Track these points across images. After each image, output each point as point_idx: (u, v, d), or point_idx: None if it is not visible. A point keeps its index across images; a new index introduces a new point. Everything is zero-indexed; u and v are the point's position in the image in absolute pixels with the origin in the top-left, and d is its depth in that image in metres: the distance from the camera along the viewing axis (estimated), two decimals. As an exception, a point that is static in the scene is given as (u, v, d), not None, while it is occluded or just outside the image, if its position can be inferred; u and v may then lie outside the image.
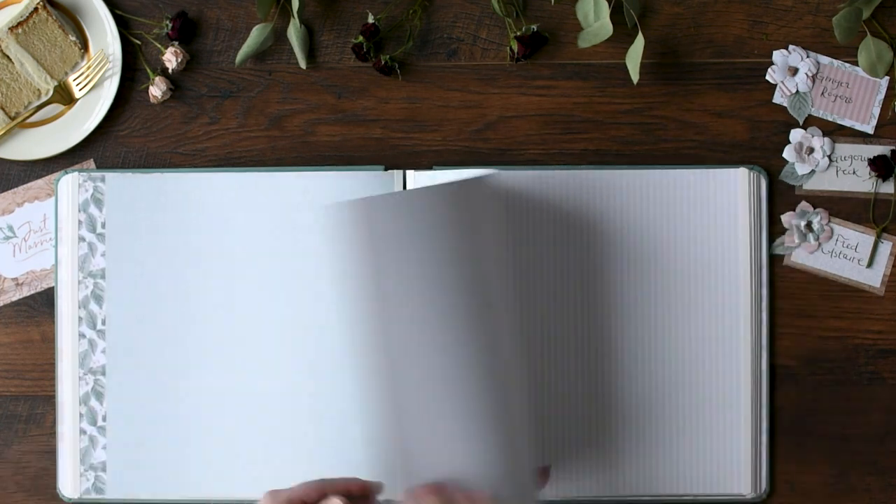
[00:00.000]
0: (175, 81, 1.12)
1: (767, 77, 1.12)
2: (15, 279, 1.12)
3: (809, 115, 1.12)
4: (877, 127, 1.12)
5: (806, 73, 1.11)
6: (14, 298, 1.12)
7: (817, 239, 1.11)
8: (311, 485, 0.88)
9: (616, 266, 1.08)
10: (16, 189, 1.12)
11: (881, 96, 1.11)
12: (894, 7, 1.12)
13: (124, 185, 1.09)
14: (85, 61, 1.12)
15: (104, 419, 1.08)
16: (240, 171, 1.09)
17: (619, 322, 1.08)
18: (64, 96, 1.11)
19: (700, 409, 1.08)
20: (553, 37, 1.12)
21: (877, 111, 1.11)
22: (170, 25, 1.11)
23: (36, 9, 1.10)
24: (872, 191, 1.11)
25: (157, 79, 1.11)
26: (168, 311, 1.09)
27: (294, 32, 1.10)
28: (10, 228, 1.12)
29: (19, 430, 1.12)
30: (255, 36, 1.11)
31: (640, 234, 1.08)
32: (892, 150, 1.11)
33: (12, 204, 1.12)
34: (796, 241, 1.11)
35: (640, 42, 1.08)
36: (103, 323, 1.09)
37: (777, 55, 1.12)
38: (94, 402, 1.08)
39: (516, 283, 1.08)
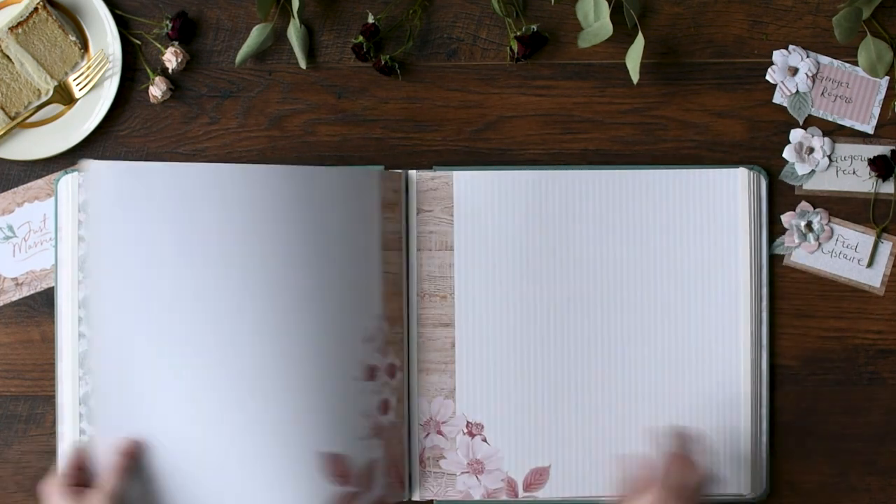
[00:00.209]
0: (175, 81, 1.12)
1: (767, 77, 1.12)
2: (15, 279, 1.12)
3: (809, 115, 1.12)
4: (877, 127, 1.12)
5: (806, 73, 1.11)
6: (14, 298, 1.12)
7: (817, 239, 1.11)
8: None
9: (616, 266, 1.08)
10: (16, 189, 1.12)
11: (881, 96, 1.11)
12: (894, 7, 1.12)
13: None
14: (85, 61, 1.12)
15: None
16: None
17: (619, 322, 1.08)
18: (64, 96, 1.11)
19: (700, 409, 1.08)
20: (553, 37, 1.12)
21: (877, 111, 1.11)
22: (170, 25, 1.11)
23: (36, 9, 1.10)
24: (872, 191, 1.11)
25: (157, 79, 1.11)
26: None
27: (294, 32, 1.10)
28: (10, 228, 1.12)
29: (19, 430, 1.12)
30: (255, 36, 1.11)
31: (639, 234, 1.08)
32: (892, 150, 1.11)
33: (12, 204, 1.12)
34: (796, 241, 1.11)
35: (640, 42, 1.08)
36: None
37: (777, 55, 1.12)
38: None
39: (518, 282, 1.08)
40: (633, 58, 1.08)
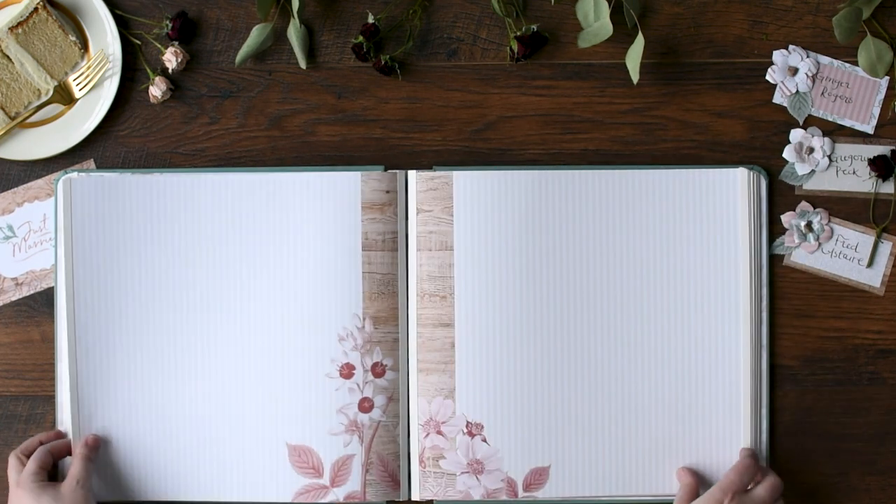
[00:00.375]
0: (175, 81, 1.12)
1: (767, 77, 1.12)
2: (15, 279, 1.12)
3: (809, 115, 1.12)
4: (877, 127, 1.12)
5: (806, 73, 1.11)
6: (14, 298, 1.12)
7: (817, 239, 1.11)
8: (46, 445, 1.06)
9: (615, 266, 1.08)
10: (16, 189, 1.12)
11: (881, 96, 1.11)
12: (894, 7, 1.12)
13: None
14: (85, 61, 1.12)
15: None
16: (240, 172, 1.10)
17: (619, 321, 1.08)
18: (64, 96, 1.11)
19: (700, 409, 1.08)
20: (553, 37, 1.12)
21: (877, 111, 1.11)
22: (170, 25, 1.11)
23: (36, 9, 1.10)
24: (872, 191, 1.11)
25: (157, 79, 1.11)
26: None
27: (294, 32, 1.10)
28: (10, 228, 1.12)
29: (19, 430, 1.12)
30: (255, 36, 1.11)
31: (639, 234, 1.08)
32: (892, 150, 1.11)
33: (12, 204, 1.12)
34: (796, 241, 1.11)
35: (640, 42, 1.08)
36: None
37: (777, 55, 1.12)
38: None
39: (518, 282, 1.08)
40: (633, 58, 1.08)
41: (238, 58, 1.11)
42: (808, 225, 1.11)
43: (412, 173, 1.09)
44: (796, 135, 1.11)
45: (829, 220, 1.11)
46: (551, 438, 1.08)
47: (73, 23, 1.12)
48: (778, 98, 1.12)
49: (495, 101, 1.12)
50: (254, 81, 1.12)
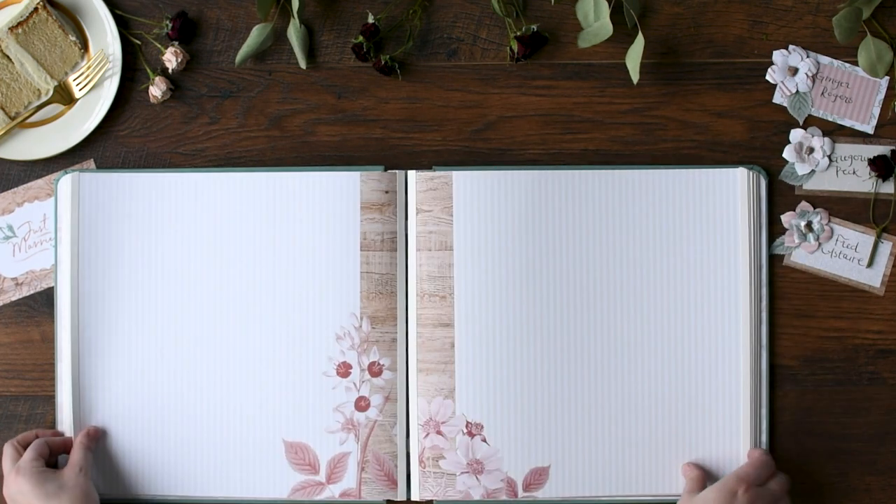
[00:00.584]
0: (175, 81, 1.12)
1: (767, 77, 1.12)
2: (15, 279, 1.12)
3: (809, 115, 1.12)
4: (877, 127, 1.12)
5: (806, 73, 1.11)
6: (14, 298, 1.12)
7: (817, 239, 1.11)
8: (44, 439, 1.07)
9: (615, 265, 1.08)
10: (16, 189, 1.12)
11: (881, 96, 1.11)
12: (894, 7, 1.12)
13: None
14: (85, 61, 1.12)
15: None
16: (239, 172, 1.10)
17: (619, 321, 1.08)
18: (64, 96, 1.12)
19: (700, 409, 1.08)
20: (553, 37, 1.12)
21: (877, 111, 1.11)
22: (170, 25, 1.11)
23: (36, 9, 1.10)
24: (872, 191, 1.11)
25: (157, 79, 1.11)
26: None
27: (294, 32, 1.11)
28: (10, 228, 1.12)
29: (19, 430, 1.12)
30: (255, 36, 1.11)
31: (639, 234, 1.08)
32: (892, 150, 1.11)
33: (12, 204, 1.12)
34: (796, 241, 1.11)
35: (640, 42, 1.08)
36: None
37: (777, 55, 1.12)
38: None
39: (518, 282, 1.08)
40: (633, 58, 1.08)
41: (238, 58, 1.11)
42: (808, 225, 1.11)
43: (412, 173, 1.09)
44: (796, 135, 1.11)
45: (829, 220, 1.11)
46: (551, 438, 1.08)
47: (73, 23, 1.12)
48: (778, 98, 1.12)
49: (495, 101, 1.12)
50: (254, 81, 1.12)
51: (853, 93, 1.11)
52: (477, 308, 1.08)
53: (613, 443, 1.08)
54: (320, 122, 1.12)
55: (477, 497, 1.08)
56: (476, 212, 1.08)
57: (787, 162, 1.11)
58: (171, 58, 1.11)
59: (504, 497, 1.08)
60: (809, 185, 1.12)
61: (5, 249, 1.12)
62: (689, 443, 1.08)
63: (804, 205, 1.11)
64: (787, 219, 1.11)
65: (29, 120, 1.11)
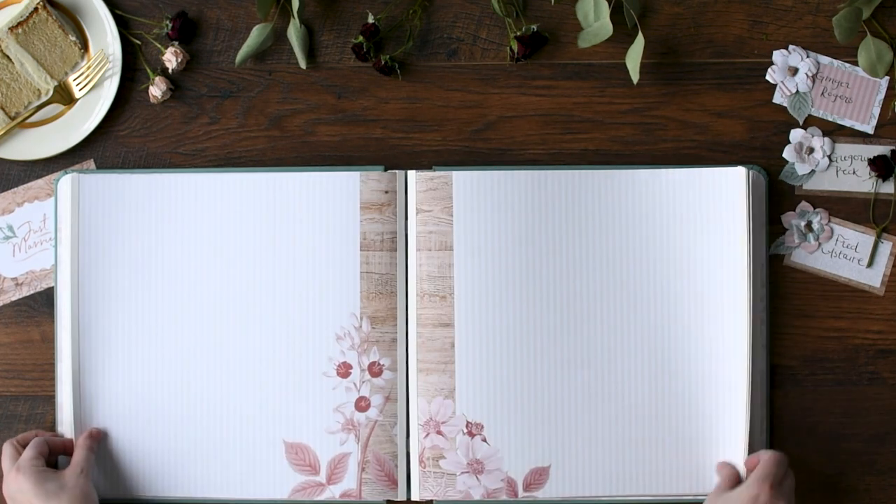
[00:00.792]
0: (175, 81, 1.12)
1: (767, 77, 1.12)
2: (15, 279, 1.12)
3: (809, 115, 1.12)
4: (877, 127, 1.12)
5: (806, 73, 1.11)
6: (14, 298, 1.12)
7: (817, 239, 1.11)
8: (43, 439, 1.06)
9: (615, 265, 1.08)
10: (16, 189, 1.12)
11: (881, 96, 1.11)
12: (894, 7, 1.12)
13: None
14: (85, 61, 1.12)
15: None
16: (239, 172, 1.10)
17: (618, 321, 1.08)
18: (64, 96, 1.11)
19: (700, 409, 1.08)
20: (553, 37, 1.12)
21: (877, 111, 1.11)
22: (170, 25, 1.11)
23: (36, 9, 1.10)
24: (872, 191, 1.11)
25: (157, 79, 1.11)
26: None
27: (294, 32, 1.10)
28: (10, 228, 1.12)
29: (19, 430, 1.12)
30: (255, 36, 1.11)
31: (639, 234, 1.08)
32: (892, 150, 1.11)
33: (12, 204, 1.12)
34: (796, 241, 1.11)
35: (640, 42, 1.08)
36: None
37: (777, 55, 1.12)
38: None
39: (518, 282, 1.08)
40: (633, 58, 1.08)
41: (238, 58, 1.11)
42: (808, 225, 1.11)
43: (412, 173, 1.09)
44: (796, 135, 1.11)
45: (829, 220, 1.11)
46: (551, 438, 1.08)
47: (73, 23, 1.12)
48: (778, 98, 1.12)
49: (495, 101, 1.12)
50: (254, 81, 1.12)
51: (853, 93, 1.11)
52: (477, 308, 1.08)
53: (614, 443, 1.08)
54: (320, 122, 1.12)
55: (477, 497, 1.08)
56: (476, 212, 1.08)
57: (787, 162, 1.11)
58: (171, 58, 1.11)
59: (504, 497, 1.08)
60: (809, 185, 1.12)
61: (5, 249, 1.12)
62: (690, 443, 1.07)
63: (804, 205, 1.11)
64: (787, 219, 1.11)
65: (29, 120, 1.11)
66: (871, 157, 1.11)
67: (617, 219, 1.08)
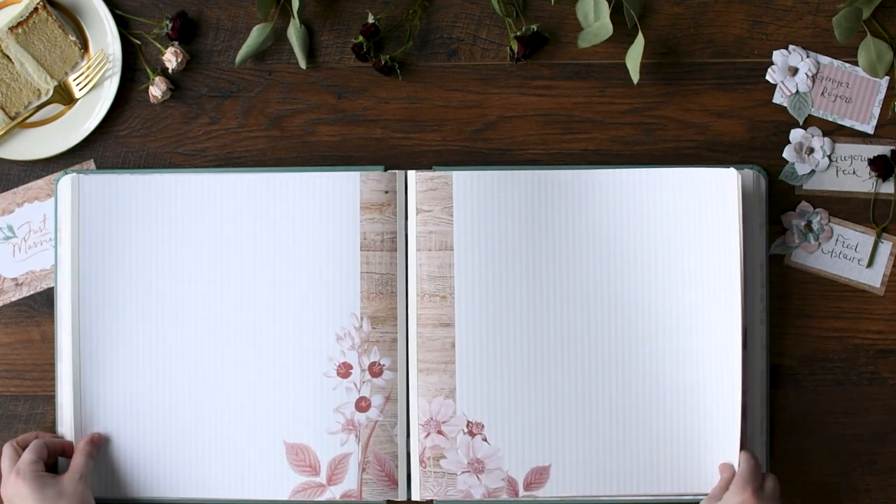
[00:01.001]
0: (175, 81, 1.12)
1: (767, 77, 1.12)
2: (15, 279, 1.12)
3: (809, 115, 1.12)
4: (877, 127, 1.12)
5: (806, 73, 1.11)
6: (14, 298, 1.12)
7: (817, 239, 1.11)
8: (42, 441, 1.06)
9: (615, 265, 1.08)
10: (16, 189, 1.12)
11: (881, 96, 1.11)
12: (894, 7, 1.12)
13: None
14: (85, 61, 1.12)
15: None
16: (239, 172, 1.10)
17: (619, 321, 1.08)
18: (64, 96, 1.11)
19: (700, 409, 1.08)
20: (553, 37, 1.12)
21: (877, 111, 1.11)
22: (170, 25, 1.11)
23: (36, 9, 1.10)
24: (872, 191, 1.11)
25: (157, 79, 1.11)
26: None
27: (294, 32, 1.11)
28: (10, 228, 1.12)
29: (19, 430, 1.12)
30: (255, 36, 1.11)
31: (639, 234, 1.08)
32: (892, 150, 1.11)
33: (12, 204, 1.12)
34: (796, 241, 1.11)
35: (640, 42, 1.08)
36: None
37: (777, 55, 1.12)
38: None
39: (518, 282, 1.08)
40: (633, 58, 1.08)
41: (238, 58, 1.11)
42: (808, 225, 1.11)
43: (412, 173, 1.09)
44: (796, 135, 1.11)
45: (829, 220, 1.11)
46: (552, 438, 1.08)
47: (73, 23, 1.12)
48: (778, 98, 1.12)
49: (495, 101, 1.12)
50: (254, 81, 1.12)
51: (853, 93, 1.11)
52: (477, 308, 1.08)
53: (614, 442, 1.08)
54: (320, 122, 1.12)
55: (478, 496, 1.08)
56: (476, 212, 1.08)
57: (787, 162, 1.11)
58: (171, 58, 1.11)
59: (505, 496, 1.08)
60: (809, 185, 1.12)
61: (5, 250, 1.12)
62: (690, 442, 1.07)
63: (804, 205, 1.11)
64: (787, 219, 1.11)
65: (29, 120, 1.11)
66: (871, 157, 1.11)
67: (616, 219, 1.08)
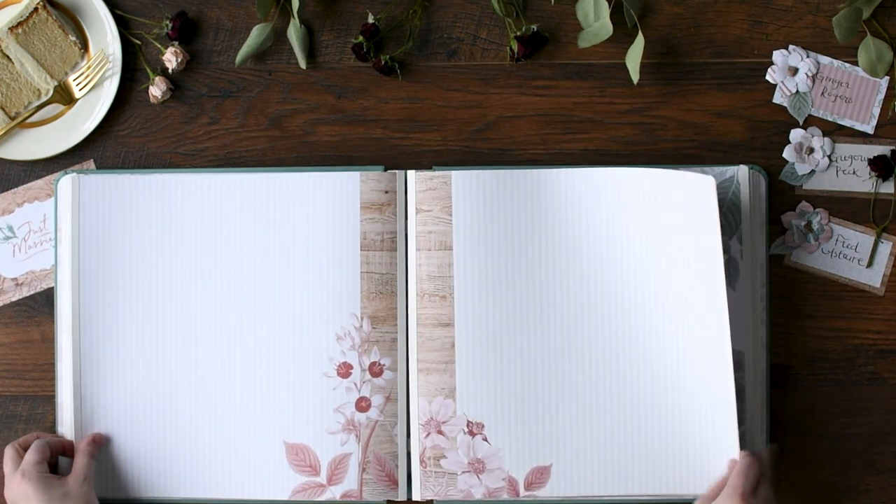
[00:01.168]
0: (175, 81, 1.12)
1: (767, 77, 1.12)
2: (15, 279, 1.12)
3: (809, 115, 1.12)
4: (877, 127, 1.12)
5: (806, 73, 1.11)
6: (14, 298, 1.12)
7: (817, 239, 1.11)
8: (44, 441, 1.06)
9: (616, 265, 1.08)
10: (16, 189, 1.12)
11: (881, 96, 1.11)
12: (894, 7, 1.12)
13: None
14: (85, 61, 1.12)
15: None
16: (239, 172, 1.10)
17: (620, 320, 1.08)
18: (64, 96, 1.11)
19: (701, 409, 1.08)
20: (553, 37, 1.12)
21: (877, 111, 1.11)
22: (170, 25, 1.11)
23: (36, 9, 1.10)
24: (872, 191, 1.11)
25: (157, 79, 1.11)
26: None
27: (294, 32, 1.11)
28: (10, 228, 1.12)
29: (19, 430, 1.12)
30: (255, 36, 1.11)
31: (639, 234, 1.08)
32: (892, 150, 1.11)
33: (12, 204, 1.12)
34: (796, 241, 1.11)
35: (640, 42, 1.08)
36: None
37: (777, 55, 1.12)
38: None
39: (518, 282, 1.08)
40: (633, 58, 1.08)
41: (238, 58, 1.11)
42: (808, 225, 1.11)
43: (411, 173, 1.09)
44: (796, 135, 1.12)
45: (829, 220, 1.11)
46: (552, 437, 1.08)
47: (73, 23, 1.12)
48: (778, 98, 1.12)
49: (495, 101, 1.12)
50: (254, 81, 1.12)
51: (853, 93, 1.11)
52: (477, 308, 1.08)
53: (614, 442, 1.08)
54: (320, 122, 1.12)
55: (478, 496, 1.08)
56: (476, 212, 1.08)
57: (787, 162, 1.11)
58: (171, 58, 1.11)
59: (505, 496, 1.08)
60: (809, 185, 1.12)
61: (5, 250, 1.12)
62: (690, 443, 1.07)
63: (804, 205, 1.11)
64: (787, 219, 1.11)
65: (29, 120, 1.11)
66: (871, 157, 1.11)
67: (617, 219, 1.08)
